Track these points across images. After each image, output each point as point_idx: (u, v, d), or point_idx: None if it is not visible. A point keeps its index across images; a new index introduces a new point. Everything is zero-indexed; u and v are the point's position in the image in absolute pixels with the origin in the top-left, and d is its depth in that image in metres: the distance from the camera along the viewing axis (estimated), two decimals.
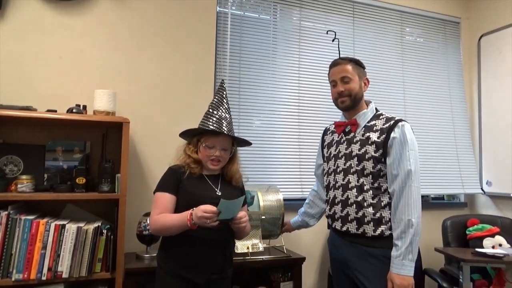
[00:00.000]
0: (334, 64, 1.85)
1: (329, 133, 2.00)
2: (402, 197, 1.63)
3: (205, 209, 1.50)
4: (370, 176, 1.72)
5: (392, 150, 1.68)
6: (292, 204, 2.54)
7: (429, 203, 3.27)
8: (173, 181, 1.67)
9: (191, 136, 1.75)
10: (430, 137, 3.20)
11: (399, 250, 1.60)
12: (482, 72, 3.32)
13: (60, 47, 2.26)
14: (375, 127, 1.76)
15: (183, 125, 1.78)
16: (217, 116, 1.70)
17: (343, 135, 1.86)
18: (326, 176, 1.93)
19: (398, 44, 3.21)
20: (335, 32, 1.98)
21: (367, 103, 1.86)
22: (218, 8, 2.66)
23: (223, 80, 1.80)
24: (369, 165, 1.72)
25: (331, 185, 1.86)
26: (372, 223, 1.69)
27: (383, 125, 1.74)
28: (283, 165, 2.75)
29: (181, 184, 1.67)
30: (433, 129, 3.23)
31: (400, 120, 1.73)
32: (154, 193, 1.70)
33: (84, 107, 2.13)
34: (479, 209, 3.31)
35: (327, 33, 2.10)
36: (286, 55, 2.84)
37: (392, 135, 1.69)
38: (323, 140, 2.04)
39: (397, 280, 1.59)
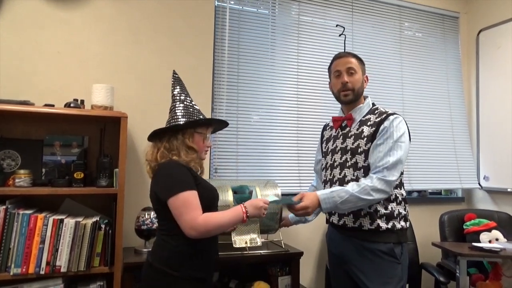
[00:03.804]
0: (339, 56, 1.86)
1: (328, 129, 2.01)
2: (373, 181, 1.62)
3: (266, 201, 1.57)
4: (362, 170, 1.72)
5: (378, 137, 1.69)
6: None
7: (427, 198, 3.28)
8: (191, 178, 1.50)
9: (187, 128, 1.60)
10: (428, 132, 3.21)
11: (333, 193, 1.63)
12: (481, 67, 3.31)
13: (58, 42, 2.25)
14: (369, 122, 1.76)
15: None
16: (196, 106, 1.67)
17: (339, 130, 1.87)
18: (324, 170, 1.93)
19: (397, 39, 3.21)
20: (343, 28, 1.98)
21: (364, 97, 1.87)
22: (216, 3, 2.64)
23: (174, 70, 1.76)
24: (361, 159, 1.73)
25: (328, 179, 1.86)
26: (368, 216, 1.70)
27: (376, 119, 1.75)
28: (281, 160, 2.75)
29: (196, 180, 1.52)
30: (431, 124, 3.23)
31: (393, 114, 1.74)
32: (177, 193, 1.44)
33: (82, 101, 2.13)
34: (476, 204, 3.32)
35: (336, 26, 2.08)
36: (285, 50, 2.83)
37: (381, 127, 1.70)
38: (322, 136, 2.05)
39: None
